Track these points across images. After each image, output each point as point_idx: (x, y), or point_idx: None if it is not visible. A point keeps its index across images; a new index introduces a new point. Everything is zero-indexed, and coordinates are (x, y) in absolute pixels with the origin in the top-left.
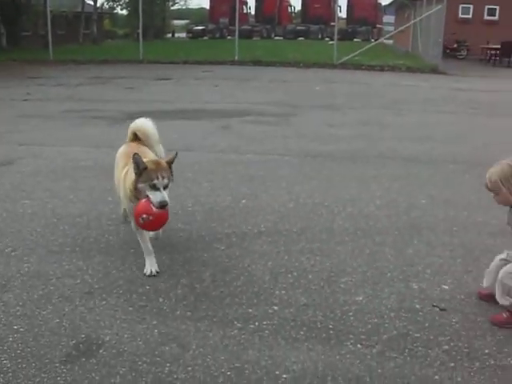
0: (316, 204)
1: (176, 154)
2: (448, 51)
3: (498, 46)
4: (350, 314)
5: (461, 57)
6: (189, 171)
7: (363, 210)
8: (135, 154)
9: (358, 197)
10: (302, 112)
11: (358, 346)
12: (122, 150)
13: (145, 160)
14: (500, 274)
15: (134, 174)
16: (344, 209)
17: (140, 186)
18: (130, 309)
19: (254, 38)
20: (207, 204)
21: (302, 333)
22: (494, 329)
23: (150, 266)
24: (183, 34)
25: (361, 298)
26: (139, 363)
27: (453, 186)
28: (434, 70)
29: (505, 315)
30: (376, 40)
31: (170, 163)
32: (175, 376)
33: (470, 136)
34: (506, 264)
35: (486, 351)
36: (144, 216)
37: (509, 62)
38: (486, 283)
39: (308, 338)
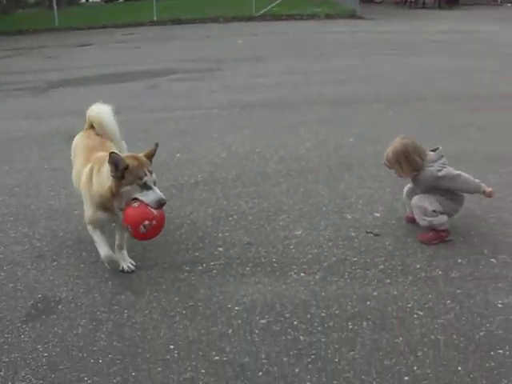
0: (248, 151)
1: (156, 145)
2: None
3: None
4: (291, 247)
5: (378, 1)
6: (120, 132)
7: (294, 153)
8: (112, 153)
9: (287, 141)
10: (226, 66)
11: (302, 274)
12: (79, 139)
13: (116, 152)
14: (413, 200)
15: (110, 179)
16: (276, 153)
17: (125, 189)
18: (82, 266)
19: None
20: None
21: (248, 269)
22: (424, 246)
23: (124, 262)
24: None
25: (300, 232)
26: (98, 313)
27: (377, 123)
28: (353, 16)
29: (431, 233)
30: None
31: (150, 157)
32: (134, 320)
33: (390, 75)
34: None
35: (418, 266)
36: (146, 223)
37: (423, 3)
38: (408, 209)
39: (254, 273)
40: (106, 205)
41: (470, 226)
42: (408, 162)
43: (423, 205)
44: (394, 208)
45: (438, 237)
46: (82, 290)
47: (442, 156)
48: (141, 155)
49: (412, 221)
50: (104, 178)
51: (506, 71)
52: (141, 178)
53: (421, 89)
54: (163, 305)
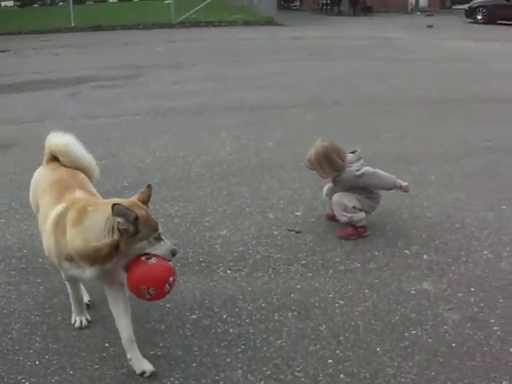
0: (171, 156)
1: (149, 186)
2: (283, 3)
3: None
4: (217, 246)
5: (295, 8)
6: (43, 141)
7: (216, 157)
8: (115, 204)
9: (210, 146)
10: (147, 72)
11: (228, 271)
12: (42, 175)
13: (118, 201)
14: (333, 198)
15: (112, 233)
16: (198, 157)
17: (139, 245)
18: (13, 272)
19: (88, 3)
20: None
21: (176, 269)
22: (342, 241)
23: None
24: (10, 3)
25: (224, 232)
26: (32, 317)
27: (296, 127)
28: (270, 22)
29: (349, 229)
30: None
31: (147, 202)
32: (68, 322)
33: (309, 80)
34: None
35: (337, 260)
36: (171, 280)
37: (339, 11)
38: (327, 207)
39: (183, 272)
40: (94, 262)
41: (385, 221)
42: (329, 163)
43: (343, 201)
44: (313, 207)
45: (356, 232)
46: (14, 296)
47: (360, 158)
48: (136, 200)
49: (331, 218)
50: (96, 233)
51: (418, 76)
52: (156, 230)
53: (338, 93)
54: (96, 306)
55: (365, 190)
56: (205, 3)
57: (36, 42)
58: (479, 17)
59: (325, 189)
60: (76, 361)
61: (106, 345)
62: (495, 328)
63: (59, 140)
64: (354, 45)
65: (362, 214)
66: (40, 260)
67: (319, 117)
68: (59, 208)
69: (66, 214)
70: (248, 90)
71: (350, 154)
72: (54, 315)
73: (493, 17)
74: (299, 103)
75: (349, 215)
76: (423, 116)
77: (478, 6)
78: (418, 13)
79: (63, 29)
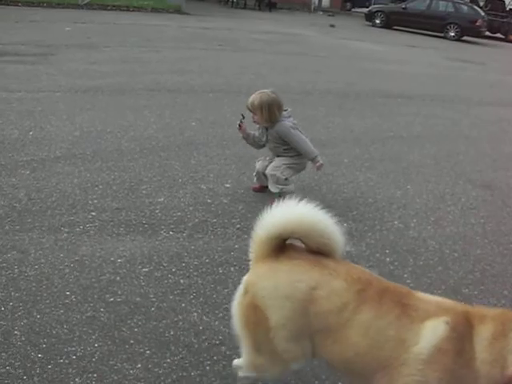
0: (100, 131)
1: None
2: None
3: None
4: (157, 211)
5: None
6: None
7: (144, 134)
8: None
9: (135, 123)
10: (59, 51)
11: (171, 233)
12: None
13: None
14: (268, 170)
15: None
16: (126, 133)
17: None
18: None
19: None
20: None
21: (122, 229)
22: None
23: None
24: None
25: (162, 199)
26: None
27: (215, 110)
28: (178, 11)
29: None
30: None
31: None
32: (26, 274)
33: (222, 69)
34: (267, 162)
35: None
36: None
37: (245, 4)
38: (256, 180)
39: (128, 233)
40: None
41: (307, 194)
42: (269, 112)
43: (276, 174)
44: (240, 180)
45: None
46: None
47: (291, 116)
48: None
49: (258, 190)
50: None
51: (324, 71)
52: None
53: (251, 81)
54: (51, 260)
55: (292, 151)
56: None
57: None
58: (377, 21)
59: (258, 163)
60: (41, 307)
61: (67, 293)
62: (408, 281)
63: (297, 210)
64: (261, 38)
65: (292, 188)
66: None
67: (235, 102)
68: (440, 327)
69: (462, 334)
70: (164, 74)
71: (284, 111)
72: (11, 268)
73: (390, 22)
74: (215, 88)
75: (280, 187)
76: (331, 106)
77: (377, 11)
78: (321, 12)
79: None
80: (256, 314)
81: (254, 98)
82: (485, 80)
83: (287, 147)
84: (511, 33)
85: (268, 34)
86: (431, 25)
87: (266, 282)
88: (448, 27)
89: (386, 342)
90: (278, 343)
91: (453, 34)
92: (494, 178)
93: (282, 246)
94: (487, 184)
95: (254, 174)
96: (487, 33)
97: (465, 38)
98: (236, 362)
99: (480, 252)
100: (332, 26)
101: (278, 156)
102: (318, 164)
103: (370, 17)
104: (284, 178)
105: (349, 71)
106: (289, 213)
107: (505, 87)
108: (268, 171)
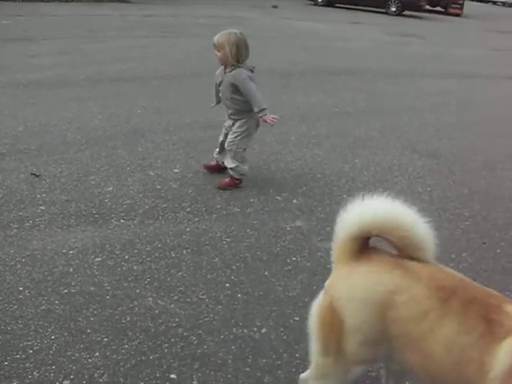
0: (44, 125)
1: None
2: None
3: None
4: (106, 200)
5: None
6: None
7: (89, 124)
8: None
9: (80, 114)
10: None
11: (122, 221)
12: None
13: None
14: (226, 144)
15: None
16: (71, 125)
17: None
18: None
19: None
20: None
21: (72, 221)
22: (221, 191)
23: None
24: None
25: (111, 189)
26: None
27: (160, 96)
28: (120, 0)
29: (227, 180)
30: None
31: None
32: None
33: (165, 55)
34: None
35: (219, 206)
36: None
37: None
38: (217, 153)
39: (79, 223)
40: None
41: (256, 174)
42: (236, 51)
43: (232, 148)
44: (189, 164)
45: (232, 183)
46: None
47: (253, 73)
48: None
49: (210, 169)
50: None
51: (270, 51)
52: None
53: (196, 66)
54: (1, 257)
55: (239, 103)
56: None
57: None
58: None
59: (222, 135)
60: None
61: (20, 288)
62: None
63: (380, 205)
64: (205, 22)
65: (245, 168)
66: None
67: (180, 87)
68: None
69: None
70: (106, 64)
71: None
72: None
73: (332, 0)
74: (159, 75)
75: (235, 164)
76: (277, 86)
77: None
78: None
79: None
80: (332, 316)
81: (220, 35)
82: (426, 53)
83: (236, 97)
84: (451, 6)
85: (212, 18)
86: (373, 1)
87: (343, 283)
88: (389, 2)
89: (469, 364)
90: (350, 347)
91: (394, 9)
92: (439, 146)
93: (364, 248)
94: (432, 153)
95: (217, 149)
96: (427, 6)
97: (406, 12)
98: (303, 375)
99: (428, 219)
100: (275, 6)
101: (227, 108)
102: (266, 116)
103: None
104: (241, 150)
105: (293, 51)
106: (372, 209)
107: (446, 60)
108: (226, 145)
